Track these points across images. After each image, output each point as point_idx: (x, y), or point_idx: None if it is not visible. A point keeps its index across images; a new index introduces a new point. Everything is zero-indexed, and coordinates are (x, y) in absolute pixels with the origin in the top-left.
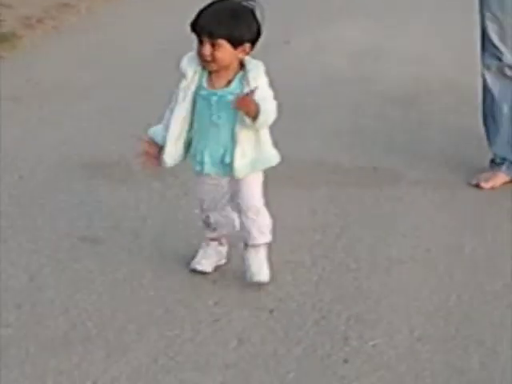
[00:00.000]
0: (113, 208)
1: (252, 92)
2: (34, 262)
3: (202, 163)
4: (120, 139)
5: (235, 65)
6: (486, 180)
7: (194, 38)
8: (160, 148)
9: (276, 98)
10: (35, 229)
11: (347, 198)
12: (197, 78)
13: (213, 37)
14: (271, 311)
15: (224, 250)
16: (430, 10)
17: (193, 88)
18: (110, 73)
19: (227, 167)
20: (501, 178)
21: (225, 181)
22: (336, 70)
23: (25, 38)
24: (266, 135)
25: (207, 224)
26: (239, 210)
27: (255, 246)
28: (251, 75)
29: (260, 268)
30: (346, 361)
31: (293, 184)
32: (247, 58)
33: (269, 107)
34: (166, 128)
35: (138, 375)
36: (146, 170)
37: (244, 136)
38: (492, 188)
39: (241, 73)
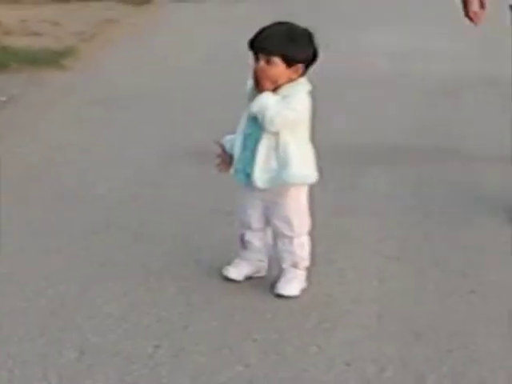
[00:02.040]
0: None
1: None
2: (177, 226)
3: (236, 171)
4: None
5: (284, 83)
6: None
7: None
8: (231, 156)
9: (326, 97)
10: (168, 205)
11: (425, 171)
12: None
13: (268, 53)
14: (397, 258)
15: (262, 264)
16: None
17: (248, 104)
18: (173, 78)
19: (250, 178)
20: None
21: (266, 199)
22: (379, 70)
23: (84, 51)
24: (295, 153)
25: (242, 241)
26: (274, 232)
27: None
28: (286, 100)
29: (284, 284)
30: (472, 291)
31: (377, 161)
32: (298, 81)
33: (272, 108)
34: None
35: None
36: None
37: (267, 149)
38: None
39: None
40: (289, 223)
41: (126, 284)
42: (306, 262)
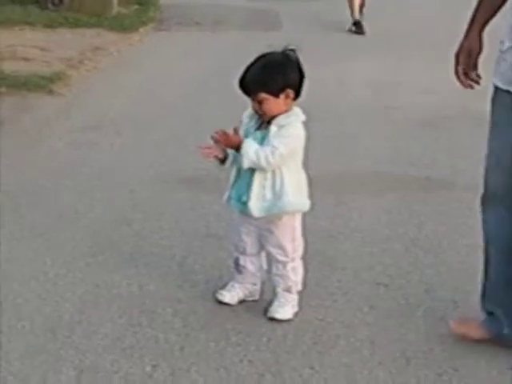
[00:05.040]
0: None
1: (235, 130)
2: (176, 251)
3: (230, 198)
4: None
5: (281, 112)
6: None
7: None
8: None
9: (313, 127)
10: (162, 230)
11: (412, 200)
12: (252, 123)
13: (253, 95)
14: (386, 285)
15: (255, 288)
16: (428, 47)
17: (244, 131)
18: (161, 105)
19: (245, 206)
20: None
21: (261, 226)
22: (362, 101)
23: (73, 77)
24: (289, 182)
25: (236, 265)
26: (269, 257)
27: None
28: (281, 132)
29: (278, 307)
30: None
31: (364, 190)
32: (293, 111)
33: (259, 153)
34: None
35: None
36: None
37: (262, 179)
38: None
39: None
40: (283, 249)
41: (122, 305)
42: (298, 287)
